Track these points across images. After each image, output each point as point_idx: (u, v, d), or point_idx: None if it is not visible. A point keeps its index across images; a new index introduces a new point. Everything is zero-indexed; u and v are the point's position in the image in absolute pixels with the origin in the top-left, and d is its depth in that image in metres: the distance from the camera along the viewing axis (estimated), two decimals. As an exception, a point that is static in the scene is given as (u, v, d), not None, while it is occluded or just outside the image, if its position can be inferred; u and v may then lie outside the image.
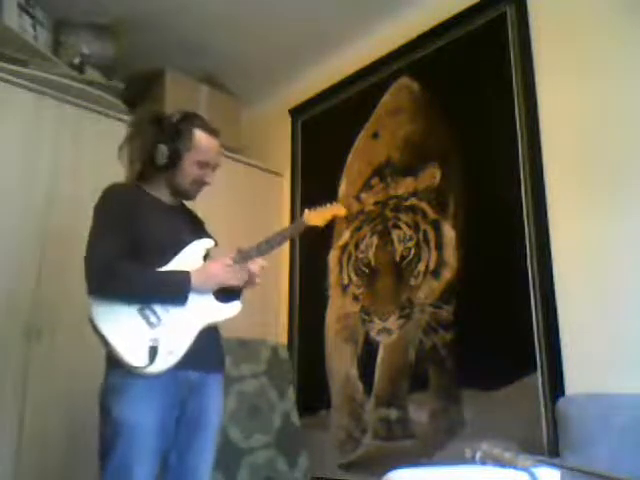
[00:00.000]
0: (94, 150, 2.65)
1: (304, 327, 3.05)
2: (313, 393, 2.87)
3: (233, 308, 1.76)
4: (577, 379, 1.96)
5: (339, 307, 2.87)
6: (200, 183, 1.83)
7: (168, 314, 1.64)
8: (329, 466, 2.68)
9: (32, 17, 2.75)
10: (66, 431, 2.32)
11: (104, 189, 1.74)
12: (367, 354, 2.68)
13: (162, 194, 1.82)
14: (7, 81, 2.47)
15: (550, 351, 2.04)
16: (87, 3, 2.85)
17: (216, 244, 1.83)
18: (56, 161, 2.55)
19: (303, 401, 2.79)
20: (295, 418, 2.67)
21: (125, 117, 2.84)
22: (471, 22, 2.56)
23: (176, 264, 1.70)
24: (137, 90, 3.16)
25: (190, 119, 1.82)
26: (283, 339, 3.09)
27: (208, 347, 1.71)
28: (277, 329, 3.13)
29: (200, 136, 1.79)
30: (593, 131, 2.10)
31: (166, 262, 1.69)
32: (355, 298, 2.79)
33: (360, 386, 2.67)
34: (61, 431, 2.32)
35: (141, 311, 1.62)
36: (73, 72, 2.79)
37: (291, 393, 2.71)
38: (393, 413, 2.50)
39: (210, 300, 1.73)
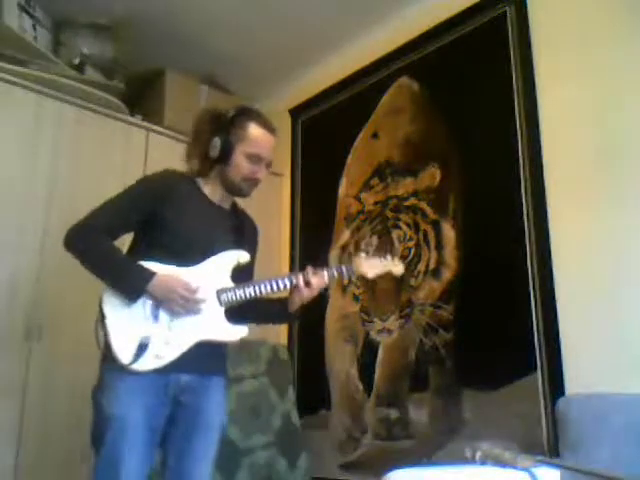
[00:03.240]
0: (94, 150, 2.65)
1: (304, 327, 3.04)
2: (313, 393, 2.87)
3: (237, 332, 1.68)
4: (577, 379, 1.96)
5: (339, 307, 2.87)
6: (251, 179, 1.76)
7: (169, 317, 1.62)
8: (329, 466, 2.68)
9: (32, 17, 2.75)
10: (66, 430, 2.32)
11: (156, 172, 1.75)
12: (367, 354, 2.68)
13: (215, 192, 1.79)
14: (7, 81, 2.47)
15: (550, 351, 2.04)
16: (87, 3, 2.85)
17: (252, 259, 1.77)
18: (56, 161, 2.55)
19: (303, 401, 2.79)
20: (295, 418, 2.67)
21: (125, 117, 2.84)
22: (471, 22, 2.56)
23: (199, 271, 1.66)
24: (137, 90, 3.17)
25: (246, 112, 1.79)
26: (283, 339, 3.09)
27: (206, 349, 1.65)
28: (277, 329, 3.12)
29: (253, 128, 1.75)
30: (593, 131, 2.10)
31: (188, 260, 1.65)
32: (355, 298, 2.79)
33: (360, 386, 2.67)
34: (61, 430, 2.32)
35: (144, 306, 1.60)
36: (73, 72, 2.79)
37: (291, 393, 2.71)
38: (393, 413, 2.50)
39: (218, 315, 1.67)
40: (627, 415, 1.69)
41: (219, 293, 1.66)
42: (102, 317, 1.59)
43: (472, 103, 2.50)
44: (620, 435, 1.66)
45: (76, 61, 2.85)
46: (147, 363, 1.56)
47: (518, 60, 2.35)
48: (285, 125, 3.41)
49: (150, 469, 1.59)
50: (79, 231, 1.65)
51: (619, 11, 2.10)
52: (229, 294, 1.66)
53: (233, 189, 1.79)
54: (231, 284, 1.68)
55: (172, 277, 1.61)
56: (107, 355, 1.59)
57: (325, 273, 1.75)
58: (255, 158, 1.75)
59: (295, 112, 3.39)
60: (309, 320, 3.01)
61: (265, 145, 1.76)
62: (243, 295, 1.67)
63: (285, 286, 1.72)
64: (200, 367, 1.65)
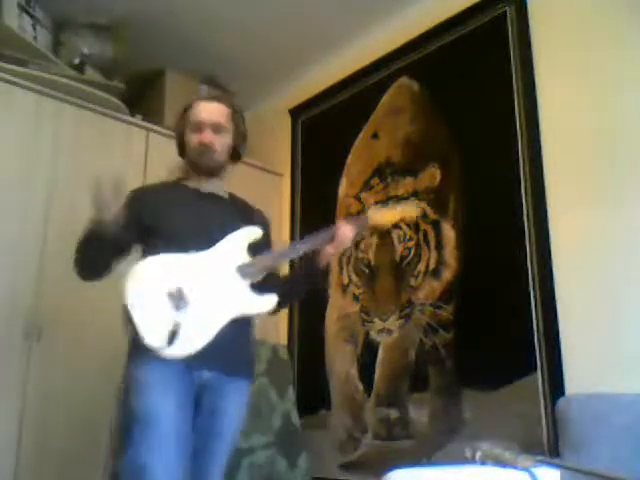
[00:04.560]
0: (94, 150, 2.65)
1: (304, 327, 3.04)
2: (313, 393, 2.86)
3: (267, 302, 1.66)
4: (577, 379, 1.96)
5: (339, 307, 2.87)
6: (201, 149, 1.75)
7: (197, 300, 1.59)
8: (329, 466, 2.68)
9: (32, 17, 2.75)
10: (66, 430, 2.32)
11: None
12: (367, 354, 2.68)
13: (200, 182, 1.79)
14: (7, 81, 2.47)
15: (550, 351, 2.04)
16: (87, 3, 2.85)
17: (266, 232, 1.75)
18: (56, 161, 2.55)
19: (303, 401, 2.79)
20: (295, 418, 2.67)
21: (125, 117, 2.84)
22: (471, 22, 2.56)
23: (208, 255, 1.64)
24: (137, 90, 3.17)
25: (194, 98, 1.83)
26: (283, 339, 3.09)
27: (232, 347, 1.62)
28: (277, 329, 3.12)
29: (193, 107, 1.78)
30: (593, 131, 2.10)
31: (187, 250, 1.63)
32: (355, 298, 2.79)
33: (360, 386, 2.67)
34: (61, 430, 2.32)
35: (170, 293, 1.58)
36: (73, 72, 2.79)
37: (291, 393, 2.71)
38: (393, 413, 2.50)
39: (243, 290, 1.65)
40: (627, 415, 1.69)
41: (240, 268, 1.64)
42: (126, 307, 1.57)
43: (472, 103, 2.50)
44: (620, 435, 1.66)
45: (76, 61, 2.85)
46: (179, 348, 1.53)
47: (518, 60, 2.35)
48: (285, 125, 3.41)
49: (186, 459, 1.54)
50: (75, 264, 1.68)
51: (619, 11, 2.10)
52: (250, 268, 1.65)
53: (197, 167, 1.78)
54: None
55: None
56: (134, 351, 1.58)
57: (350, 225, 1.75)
58: (196, 127, 1.75)
59: (295, 112, 3.39)
60: (309, 320, 3.02)
61: (203, 110, 1.76)
62: (266, 262, 1.67)
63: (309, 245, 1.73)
64: (225, 365, 1.62)
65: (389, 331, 2.59)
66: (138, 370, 1.57)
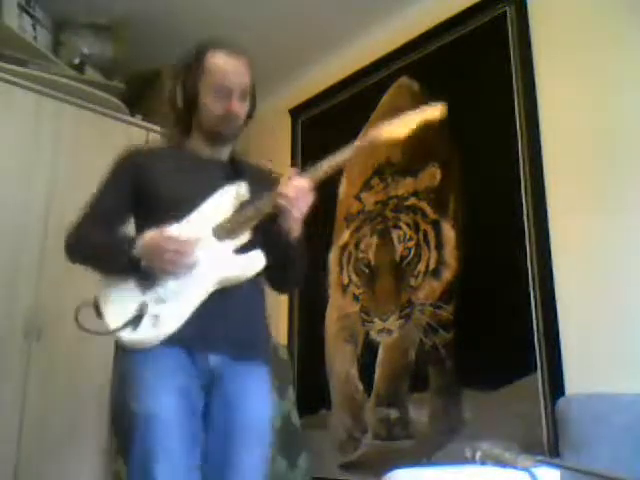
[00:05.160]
0: (94, 150, 2.65)
1: (304, 327, 3.04)
2: (313, 393, 2.86)
3: (253, 263, 1.42)
4: (577, 379, 1.96)
5: (339, 307, 2.87)
6: (226, 116, 1.50)
7: (169, 280, 1.39)
8: (329, 466, 2.68)
9: (32, 17, 2.75)
10: (66, 431, 2.32)
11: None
12: (367, 354, 2.68)
13: (200, 146, 1.56)
14: (7, 81, 2.47)
15: (550, 351, 2.04)
16: (87, 3, 2.85)
17: (253, 190, 1.46)
18: (56, 161, 2.55)
19: (303, 401, 2.79)
20: (295, 418, 2.67)
21: (125, 117, 2.84)
22: (471, 22, 2.56)
23: (191, 221, 1.43)
24: (137, 90, 3.16)
25: (202, 45, 1.56)
26: (283, 339, 3.09)
27: (237, 329, 1.40)
28: (277, 329, 3.12)
29: (211, 57, 1.52)
30: (593, 131, 2.10)
31: (181, 218, 1.43)
32: (355, 298, 2.79)
33: (360, 386, 2.67)
34: (61, 431, 2.32)
35: (139, 275, 1.39)
36: (73, 72, 2.79)
37: (291, 393, 2.71)
38: (393, 413, 2.50)
39: (224, 253, 1.42)
40: (627, 415, 1.69)
41: (215, 229, 1.43)
42: (97, 311, 1.42)
43: (472, 103, 2.49)
44: (620, 435, 1.66)
45: (76, 61, 2.85)
46: (146, 330, 1.33)
47: (518, 60, 2.35)
48: (285, 125, 3.41)
49: (195, 459, 1.33)
50: (70, 237, 1.53)
51: (619, 11, 2.10)
52: (224, 226, 1.43)
53: (214, 136, 1.55)
54: None
55: (156, 234, 1.37)
56: (122, 345, 1.41)
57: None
58: (222, 91, 1.50)
59: (295, 112, 3.39)
60: (309, 320, 3.02)
61: (231, 73, 1.51)
62: (237, 220, 1.43)
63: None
64: (231, 346, 1.40)
65: (389, 331, 2.59)
66: (129, 360, 1.38)
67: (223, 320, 1.39)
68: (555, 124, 2.20)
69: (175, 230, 1.39)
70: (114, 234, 1.53)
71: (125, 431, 1.33)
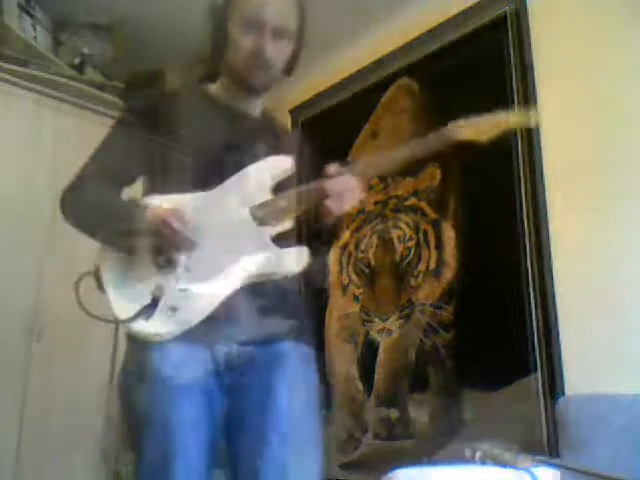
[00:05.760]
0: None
1: (304, 327, 3.04)
2: (313, 393, 2.86)
3: (296, 256, 1.22)
4: (577, 379, 1.96)
5: (339, 307, 2.87)
6: (255, 56, 1.27)
7: (192, 257, 1.17)
8: (329, 466, 2.68)
9: (32, 17, 2.75)
10: (66, 431, 2.32)
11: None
12: (367, 354, 2.67)
13: (224, 90, 1.36)
14: (7, 81, 2.47)
15: (550, 351, 2.04)
16: (87, 3, 2.84)
17: (297, 163, 1.26)
18: (56, 161, 2.55)
19: (303, 401, 2.79)
20: (295, 418, 2.67)
21: (125, 117, 2.84)
22: (471, 22, 2.56)
23: (217, 195, 1.21)
24: (137, 90, 3.16)
25: None
26: (283, 339, 3.08)
27: (263, 306, 1.20)
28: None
29: None
30: (594, 131, 2.10)
31: (206, 183, 1.21)
32: (355, 298, 2.79)
33: (360, 386, 2.67)
34: (61, 431, 2.32)
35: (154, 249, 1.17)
36: (73, 72, 2.79)
37: (291, 393, 2.71)
38: (393, 413, 2.50)
39: (262, 241, 1.20)
40: (626, 415, 1.69)
41: (253, 209, 1.20)
42: (98, 282, 1.22)
43: (472, 103, 2.49)
44: (619, 435, 1.66)
45: (76, 61, 2.86)
46: (161, 323, 1.11)
47: (518, 60, 2.35)
48: (285, 125, 3.41)
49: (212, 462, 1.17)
50: (67, 191, 1.33)
51: (619, 11, 2.10)
52: (262, 209, 1.20)
53: (241, 80, 1.31)
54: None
55: (161, 208, 1.15)
56: (132, 335, 1.20)
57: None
58: (252, 25, 1.26)
59: (295, 112, 3.39)
60: (309, 320, 3.02)
61: (265, 1, 1.27)
62: (281, 203, 1.21)
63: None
64: (258, 330, 1.19)
65: (389, 331, 2.59)
66: (140, 354, 1.17)
67: (249, 315, 1.20)
68: (555, 124, 2.20)
69: (201, 201, 1.19)
70: (120, 195, 1.31)
71: (138, 429, 1.17)
